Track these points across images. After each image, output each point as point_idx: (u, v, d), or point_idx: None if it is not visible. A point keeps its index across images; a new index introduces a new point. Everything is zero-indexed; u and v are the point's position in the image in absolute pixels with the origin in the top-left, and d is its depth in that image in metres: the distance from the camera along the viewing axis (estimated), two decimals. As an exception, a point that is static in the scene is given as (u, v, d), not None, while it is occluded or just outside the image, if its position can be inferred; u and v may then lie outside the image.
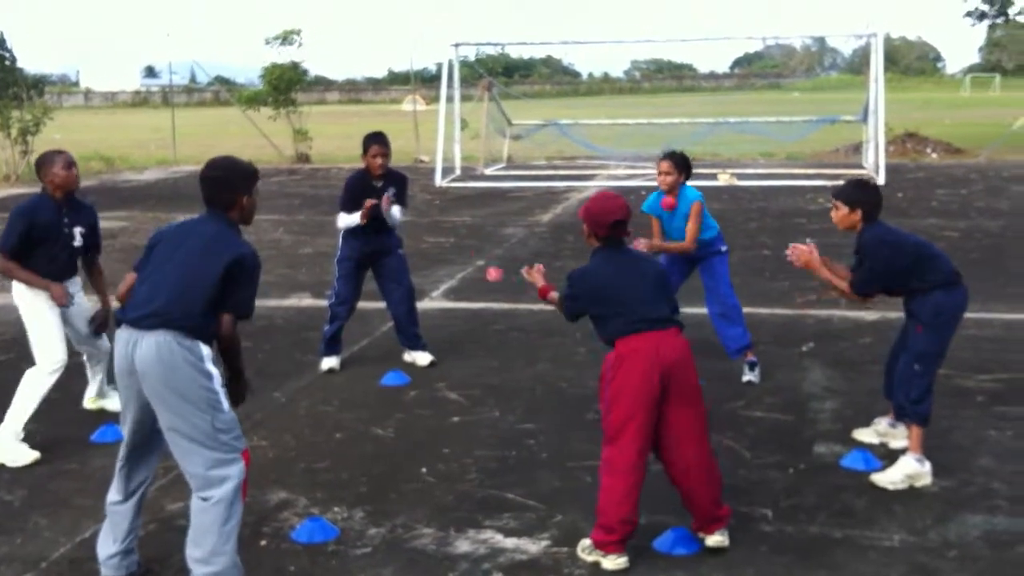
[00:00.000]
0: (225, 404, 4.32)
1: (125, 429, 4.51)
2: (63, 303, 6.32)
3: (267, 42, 29.27)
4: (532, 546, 4.95)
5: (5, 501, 5.59)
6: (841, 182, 6.11)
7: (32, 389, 6.24)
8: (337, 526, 5.15)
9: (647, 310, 4.72)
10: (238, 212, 4.53)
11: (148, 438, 4.48)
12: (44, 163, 6.37)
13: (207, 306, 4.29)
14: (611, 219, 4.81)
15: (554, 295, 5.19)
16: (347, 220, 7.85)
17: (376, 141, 7.80)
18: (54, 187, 6.34)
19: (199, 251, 4.34)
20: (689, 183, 7.54)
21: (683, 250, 7.45)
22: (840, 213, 5.82)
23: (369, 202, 7.71)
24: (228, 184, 4.50)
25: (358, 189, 7.86)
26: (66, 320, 6.46)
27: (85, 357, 6.87)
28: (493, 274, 6.11)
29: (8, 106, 23.75)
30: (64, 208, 6.40)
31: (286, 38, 29.22)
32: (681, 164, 7.41)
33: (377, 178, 7.85)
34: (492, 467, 5.97)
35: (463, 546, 4.96)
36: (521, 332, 9.16)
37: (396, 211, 7.92)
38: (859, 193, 5.80)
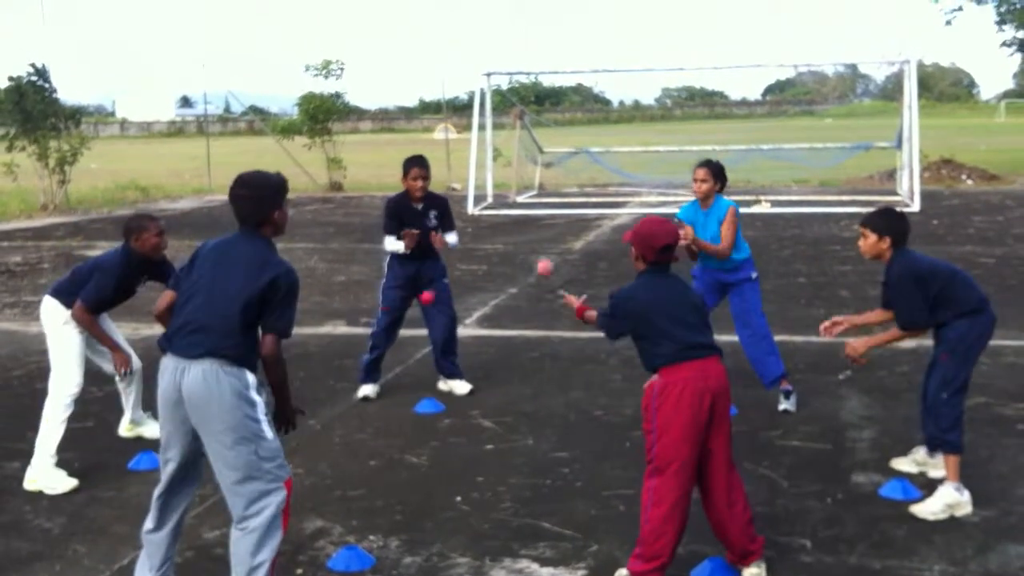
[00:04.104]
0: (269, 432, 4.32)
1: (168, 460, 4.47)
2: (122, 371, 6.64)
3: (307, 69, 29.50)
4: None
5: (44, 528, 5.63)
6: (873, 209, 6.08)
7: (54, 414, 6.31)
8: (373, 555, 5.14)
9: (692, 337, 4.70)
10: (271, 227, 4.51)
11: (190, 468, 4.49)
12: (137, 228, 6.39)
13: (247, 330, 4.30)
14: (661, 243, 4.79)
15: (591, 314, 5.13)
16: (393, 245, 7.86)
17: (416, 164, 7.82)
18: (143, 250, 6.40)
19: (236, 274, 4.33)
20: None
21: (717, 253, 7.38)
22: (868, 241, 5.80)
23: (407, 233, 7.73)
24: (258, 201, 4.46)
25: (398, 212, 7.88)
26: (94, 348, 6.57)
27: (119, 379, 6.92)
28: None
29: (46, 136, 24.07)
30: (143, 267, 6.53)
31: (327, 68, 29.43)
32: (717, 172, 7.44)
33: (417, 201, 7.88)
34: (527, 495, 5.95)
35: (499, 575, 4.94)
36: (555, 359, 9.15)
37: (452, 237, 7.99)
38: (887, 220, 5.78)
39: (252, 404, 4.29)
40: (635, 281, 4.89)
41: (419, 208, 7.87)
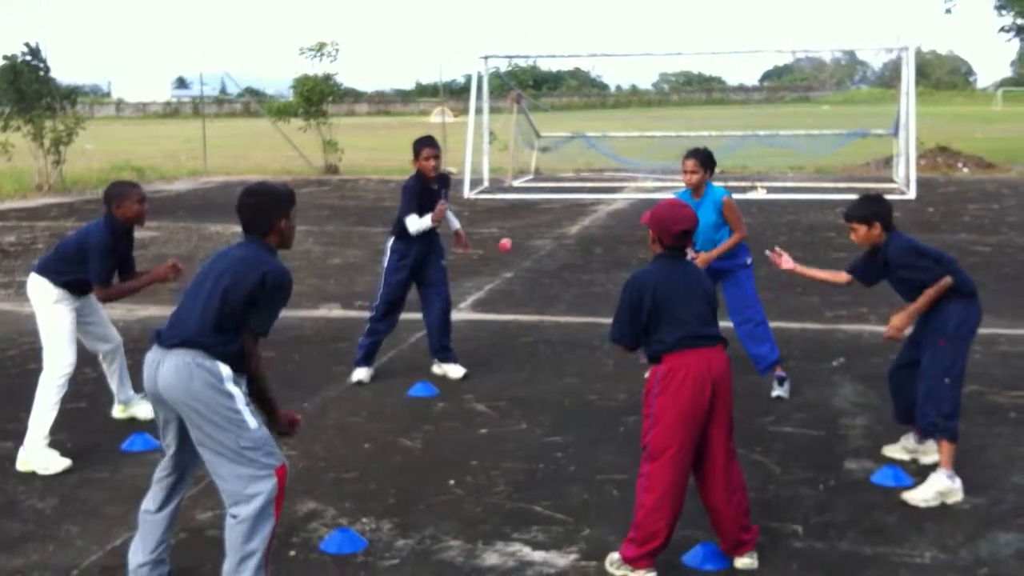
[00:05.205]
0: (252, 422, 4.29)
1: (167, 444, 4.51)
2: (176, 274, 6.55)
3: (301, 52, 29.41)
4: (560, 560, 4.94)
5: (37, 509, 5.63)
6: (853, 201, 6.08)
7: (47, 394, 6.31)
8: (365, 537, 5.15)
9: (700, 326, 4.68)
10: (276, 237, 4.51)
11: (190, 450, 4.48)
12: (118, 196, 6.38)
13: (227, 324, 4.29)
14: (680, 227, 4.76)
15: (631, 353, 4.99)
16: (420, 223, 7.83)
17: (428, 144, 7.89)
18: (126, 218, 6.41)
19: (225, 271, 4.34)
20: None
21: (737, 241, 7.52)
22: (860, 233, 5.86)
23: (441, 206, 7.88)
24: (264, 210, 4.47)
25: (419, 193, 7.91)
26: (80, 324, 6.54)
27: (100, 357, 6.93)
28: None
29: (41, 116, 23.97)
30: (128, 235, 6.58)
31: (321, 49, 29.35)
32: (705, 160, 7.47)
33: (432, 180, 7.92)
34: (520, 480, 5.96)
35: (491, 559, 4.95)
36: (548, 344, 9.15)
37: (450, 215, 8.24)
38: (871, 207, 5.84)
39: (229, 396, 4.27)
40: (651, 264, 4.86)
41: (435, 188, 7.96)
